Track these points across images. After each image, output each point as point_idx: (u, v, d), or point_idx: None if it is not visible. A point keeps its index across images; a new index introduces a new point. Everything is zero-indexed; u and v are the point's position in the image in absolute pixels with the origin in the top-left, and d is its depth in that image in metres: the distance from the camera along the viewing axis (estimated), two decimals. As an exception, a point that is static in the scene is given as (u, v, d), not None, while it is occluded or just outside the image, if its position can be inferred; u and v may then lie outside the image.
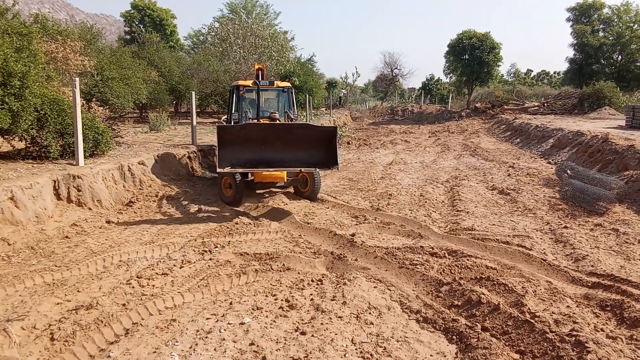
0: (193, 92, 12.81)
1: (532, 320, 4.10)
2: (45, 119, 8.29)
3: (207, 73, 21.40)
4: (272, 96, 11.28)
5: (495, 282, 4.98)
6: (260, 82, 9.99)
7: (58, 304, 4.41)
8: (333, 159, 8.06)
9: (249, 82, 10.27)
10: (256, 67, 10.64)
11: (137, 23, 40.65)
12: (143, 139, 13.08)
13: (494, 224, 7.43)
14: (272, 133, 8.24)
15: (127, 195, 8.66)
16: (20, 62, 6.85)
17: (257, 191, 9.71)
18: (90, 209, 7.65)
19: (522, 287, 4.86)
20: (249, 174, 9.01)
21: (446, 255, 5.88)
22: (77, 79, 8.08)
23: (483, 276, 5.17)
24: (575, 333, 3.85)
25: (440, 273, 5.35)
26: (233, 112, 10.30)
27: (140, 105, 20.33)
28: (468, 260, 5.64)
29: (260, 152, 8.11)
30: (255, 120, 9.69)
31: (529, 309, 4.35)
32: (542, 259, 5.78)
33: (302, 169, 8.25)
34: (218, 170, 7.88)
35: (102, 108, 11.81)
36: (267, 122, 9.23)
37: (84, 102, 11.47)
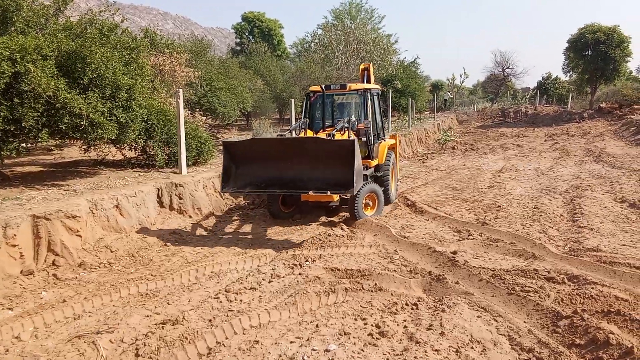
0: (293, 100, 12.89)
1: (679, 372, 3.30)
2: (152, 129, 8.71)
3: (309, 80, 21.64)
4: (349, 100, 9.87)
5: (627, 318, 4.15)
6: (331, 87, 9.00)
7: (147, 316, 4.41)
8: (348, 179, 6.46)
9: (319, 87, 9.03)
10: (361, 67, 9.78)
11: (246, 34, 42.54)
12: (246, 147, 13.37)
13: (624, 244, 6.37)
14: (283, 149, 7.05)
15: (225, 202, 8.80)
16: (127, 75, 7.20)
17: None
18: (190, 216, 7.85)
19: (664, 327, 3.99)
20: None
21: (565, 281, 5.07)
22: (181, 90, 8.37)
23: (612, 309, 4.34)
24: None
25: (558, 303, 4.60)
26: (302, 119, 8.74)
27: (246, 113, 21.06)
28: (593, 288, 4.81)
29: (278, 171, 7.04)
30: (322, 129, 8.66)
31: (674, 355, 3.53)
32: (690, 291, 4.77)
33: (312, 192, 6.85)
34: (222, 191, 7.30)
35: (205, 117, 12.25)
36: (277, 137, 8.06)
37: (188, 111, 11.99)
